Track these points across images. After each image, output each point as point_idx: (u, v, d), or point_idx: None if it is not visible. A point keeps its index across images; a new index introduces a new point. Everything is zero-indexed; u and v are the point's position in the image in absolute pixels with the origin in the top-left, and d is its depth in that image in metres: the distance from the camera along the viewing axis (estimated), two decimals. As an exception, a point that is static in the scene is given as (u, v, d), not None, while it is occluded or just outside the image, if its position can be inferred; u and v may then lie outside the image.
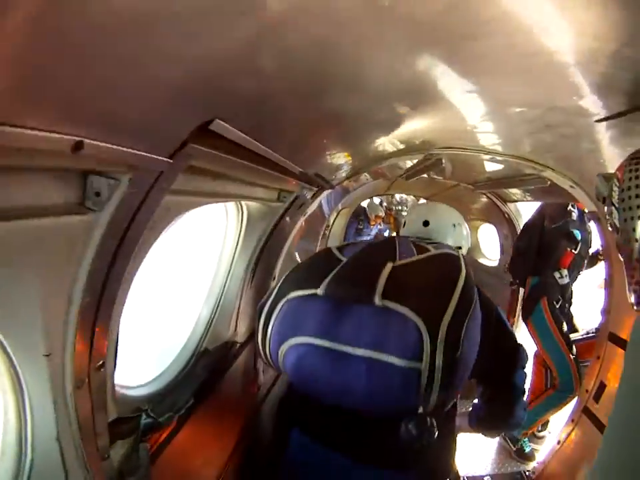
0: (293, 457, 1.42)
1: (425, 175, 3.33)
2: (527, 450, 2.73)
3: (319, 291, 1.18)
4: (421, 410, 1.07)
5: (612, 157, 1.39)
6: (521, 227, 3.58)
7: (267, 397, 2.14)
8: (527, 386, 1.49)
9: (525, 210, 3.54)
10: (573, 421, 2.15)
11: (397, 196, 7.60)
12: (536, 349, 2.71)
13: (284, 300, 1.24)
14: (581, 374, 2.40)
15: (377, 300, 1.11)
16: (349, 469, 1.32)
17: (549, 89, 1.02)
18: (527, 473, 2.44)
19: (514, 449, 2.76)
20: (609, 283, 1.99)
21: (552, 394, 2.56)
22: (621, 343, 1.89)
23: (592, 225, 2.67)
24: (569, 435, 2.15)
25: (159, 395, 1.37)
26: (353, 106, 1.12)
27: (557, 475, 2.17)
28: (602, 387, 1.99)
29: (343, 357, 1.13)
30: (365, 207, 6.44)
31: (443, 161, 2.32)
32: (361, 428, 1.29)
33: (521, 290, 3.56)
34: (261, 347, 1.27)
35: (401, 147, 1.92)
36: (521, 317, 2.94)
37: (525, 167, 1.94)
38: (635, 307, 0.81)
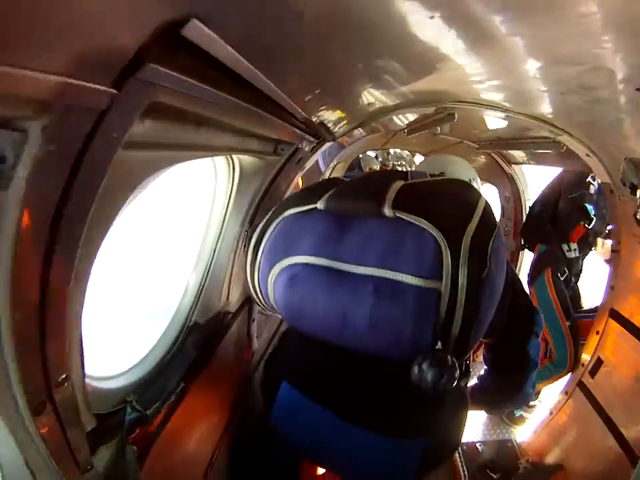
0: (281, 414, 1.28)
1: (426, 131, 3.17)
2: (517, 415, 2.75)
3: (319, 205, 0.99)
4: (439, 346, 0.86)
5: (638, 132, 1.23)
6: (522, 190, 3.45)
7: (260, 362, 2.06)
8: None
9: (531, 173, 3.37)
10: (566, 393, 2.13)
11: (392, 151, 7.32)
12: None
13: (279, 219, 1.04)
14: (577, 352, 2.33)
15: (387, 210, 0.91)
16: (343, 432, 1.17)
17: (599, 45, 0.82)
18: (518, 441, 2.46)
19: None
20: (615, 259, 1.88)
21: (547, 365, 2.53)
22: (621, 321, 1.82)
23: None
24: (561, 406, 2.14)
25: (144, 382, 1.24)
26: (362, 51, 0.93)
27: (547, 444, 2.19)
28: (599, 362, 1.95)
29: (344, 277, 0.92)
30: (359, 160, 6.21)
31: (456, 115, 2.11)
32: (360, 382, 1.12)
33: (522, 254, 3.51)
34: (249, 278, 1.08)
35: (411, 97, 1.71)
36: (526, 284, 2.82)
37: (541, 128, 1.76)
38: None
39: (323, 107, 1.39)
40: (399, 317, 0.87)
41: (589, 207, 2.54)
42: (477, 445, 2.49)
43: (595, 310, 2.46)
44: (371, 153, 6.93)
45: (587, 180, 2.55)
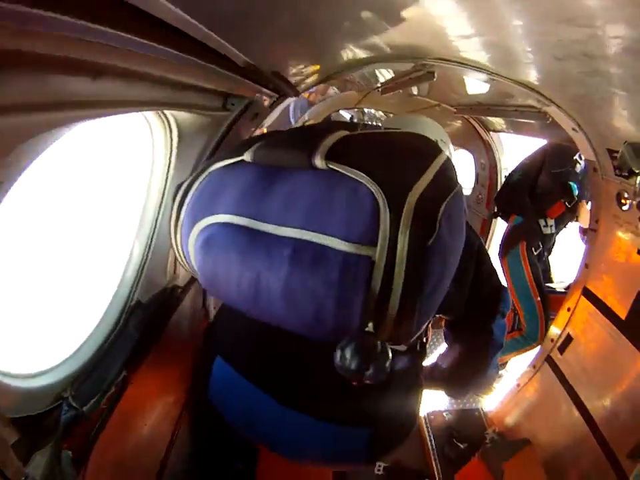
0: (216, 391, 1.22)
1: (401, 91, 2.99)
2: None
3: (246, 156, 0.83)
4: (370, 328, 0.70)
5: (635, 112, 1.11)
6: (499, 158, 3.36)
7: None
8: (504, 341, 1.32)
9: (509, 142, 3.27)
10: (534, 366, 2.15)
11: (367, 111, 7.05)
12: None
13: (204, 174, 0.88)
14: (548, 326, 2.35)
15: (318, 161, 0.74)
16: (277, 415, 1.09)
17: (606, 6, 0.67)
18: (484, 410, 2.51)
19: None
20: (592, 238, 1.83)
21: (517, 337, 2.55)
22: (594, 300, 1.80)
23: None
24: (529, 379, 2.16)
25: (82, 374, 1.11)
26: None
27: (514, 415, 2.22)
28: (568, 339, 1.94)
29: (261, 240, 0.75)
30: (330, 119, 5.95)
31: (436, 74, 1.93)
32: (293, 361, 1.02)
33: (494, 223, 3.48)
34: (173, 242, 0.94)
35: (387, 51, 1.52)
36: (497, 255, 2.79)
37: (527, 96, 1.62)
38: None
39: (283, 58, 1.19)
40: (317, 288, 0.70)
41: (574, 186, 2.46)
42: (444, 413, 2.52)
43: (567, 288, 2.49)
44: (345, 113, 6.66)
45: (574, 158, 2.47)
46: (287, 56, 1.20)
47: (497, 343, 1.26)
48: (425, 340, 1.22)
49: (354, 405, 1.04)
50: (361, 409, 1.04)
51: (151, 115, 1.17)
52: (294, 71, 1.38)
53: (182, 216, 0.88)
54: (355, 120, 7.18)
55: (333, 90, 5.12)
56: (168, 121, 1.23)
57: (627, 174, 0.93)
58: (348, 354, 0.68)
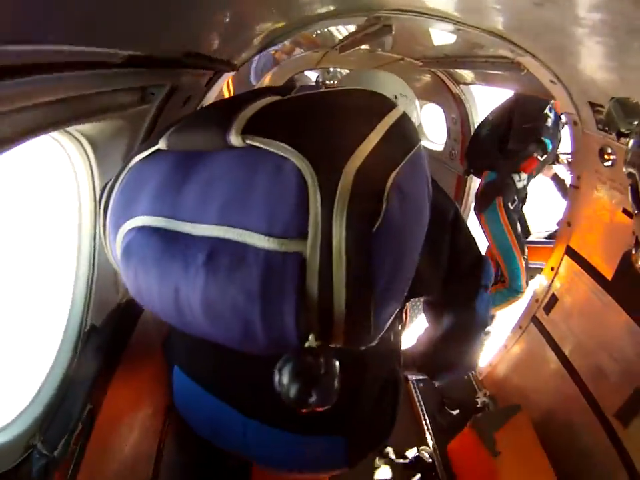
0: (179, 400, 1.15)
1: (364, 47, 2.76)
2: None
3: (161, 144, 0.66)
4: (311, 341, 0.55)
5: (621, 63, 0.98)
6: (470, 110, 3.23)
7: None
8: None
9: (480, 94, 3.12)
10: (520, 327, 2.12)
11: (332, 70, 6.70)
12: (487, 243, 2.67)
13: (125, 170, 0.73)
14: (528, 277, 2.38)
15: (233, 138, 0.57)
16: (241, 425, 1.02)
17: None
18: (474, 373, 2.51)
19: None
20: (573, 195, 1.74)
21: (502, 290, 2.56)
22: (578, 259, 1.74)
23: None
24: (516, 340, 2.14)
25: (47, 415, 1.01)
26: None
27: (503, 377, 2.22)
28: (553, 299, 1.90)
29: (177, 244, 0.60)
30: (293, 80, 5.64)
31: (393, 28, 1.74)
32: (250, 370, 0.90)
33: (470, 180, 3.39)
34: (106, 251, 0.77)
35: (334, 6, 1.33)
36: (473, 210, 2.79)
37: (500, 46, 1.47)
38: None
39: (208, 34, 1.00)
40: (238, 300, 0.54)
41: (548, 142, 2.40)
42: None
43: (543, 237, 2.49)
44: (311, 74, 6.30)
45: (545, 112, 2.40)
46: (214, 29, 1.00)
47: (482, 320, 1.16)
48: (399, 327, 1.12)
49: (324, 413, 0.95)
50: (333, 417, 0.94)
51: (57, 134, 0.97)
52: (229, 42, 1.18)
53: (108, 220, 0.71)
54: (321, 79, 6.82)
55: (299, 49, 4.79)
56: (74, 136, 1.03)
57: (614, 133, 0.82)
58: (285, 379, 0.54)
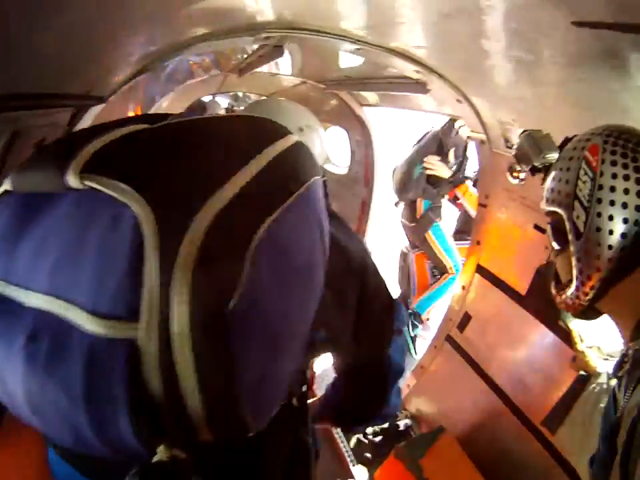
0: None
1: (264, 70, 2.68)
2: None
3: (6, 184, 0.50)
4: (162, 453, 0.41)
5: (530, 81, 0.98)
6: (373, 134, 3.36)
7: None
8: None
9: (376, 116, 3.23)
10: (435, 347, 2.12)
11: (240, 94, 6.51)
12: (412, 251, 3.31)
13: None
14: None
15: (70, 178, 0.42)
16: None
17: None
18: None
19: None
20: (482, 214, 1.79)
21: (450, 278, 2.98)
22: (489, 277, 1.78)
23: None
24: (432, 360, 2.13)
25: None
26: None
27: (423, 399, 2.19)
28: (466, 317, 1.92)
29: (4, 315, 0.46)
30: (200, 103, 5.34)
31: (285, 49, 1.65)
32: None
33: (372, 204, 3.51)
34: None
35: (211, 27, 1.18)
36: (412, 232, 3.28)
37: (404, 66, 1.44)
38: (561, 300, 0.73)
39: (50, 63, 0.79)
40: (60, 400, 0.40)
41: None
42: None
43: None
44: (223, 102, 6.01)
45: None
46: (61, 61, 0.79)
47: (398, 367, 1.04)
48: (304, 388, 0.94)
49: None
50: None
51: None
52: (86, 73, 0.96)
53: None
54: (230, 107, 6.54)
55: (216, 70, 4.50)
56: None
57: (528, 169, 0.79)
58: None
